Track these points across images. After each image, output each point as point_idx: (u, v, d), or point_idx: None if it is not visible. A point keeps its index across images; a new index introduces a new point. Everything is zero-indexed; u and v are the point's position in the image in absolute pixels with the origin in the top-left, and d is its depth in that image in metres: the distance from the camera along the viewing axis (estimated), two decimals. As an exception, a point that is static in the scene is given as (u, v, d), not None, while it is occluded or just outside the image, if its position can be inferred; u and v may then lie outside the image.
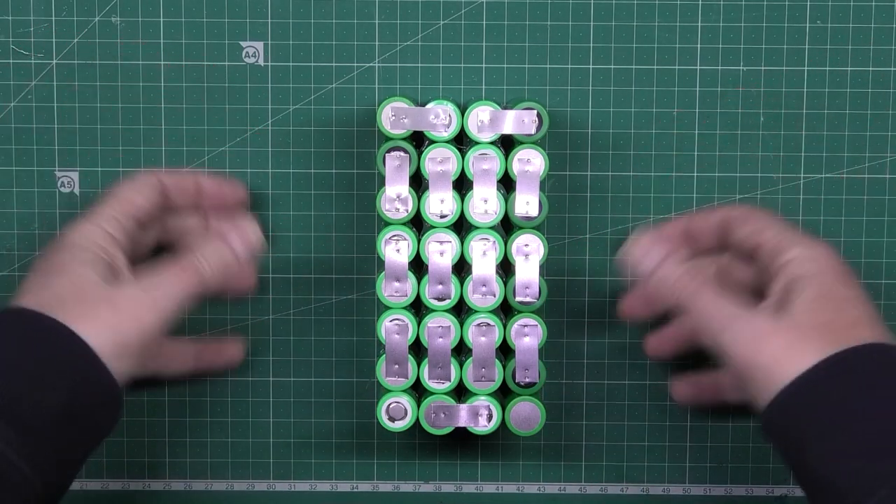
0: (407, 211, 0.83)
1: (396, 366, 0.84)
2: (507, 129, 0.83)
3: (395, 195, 0.83)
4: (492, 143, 0.83)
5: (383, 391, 0.85)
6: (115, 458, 0.89)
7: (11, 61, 0.86)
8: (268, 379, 0.89)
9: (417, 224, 0.84)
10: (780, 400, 0.73)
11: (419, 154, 0.83)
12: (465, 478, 0.90)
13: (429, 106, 0.83)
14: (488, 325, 0.84)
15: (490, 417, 0.85)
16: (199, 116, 0.86)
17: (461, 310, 0.85)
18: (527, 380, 0.84)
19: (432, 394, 0.85)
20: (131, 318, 0.76)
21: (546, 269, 0.86)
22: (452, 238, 0.83)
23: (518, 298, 0.83)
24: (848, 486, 0.70)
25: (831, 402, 0.72)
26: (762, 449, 0.89)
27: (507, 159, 0.83)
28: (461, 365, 0.84)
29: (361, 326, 0.88)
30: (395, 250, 0.83)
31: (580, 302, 0.88)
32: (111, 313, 0.76)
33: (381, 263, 0.84)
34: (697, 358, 0.85)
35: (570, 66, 0.86)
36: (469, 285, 0.83)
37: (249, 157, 0.87)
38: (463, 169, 0.83)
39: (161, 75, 0.86)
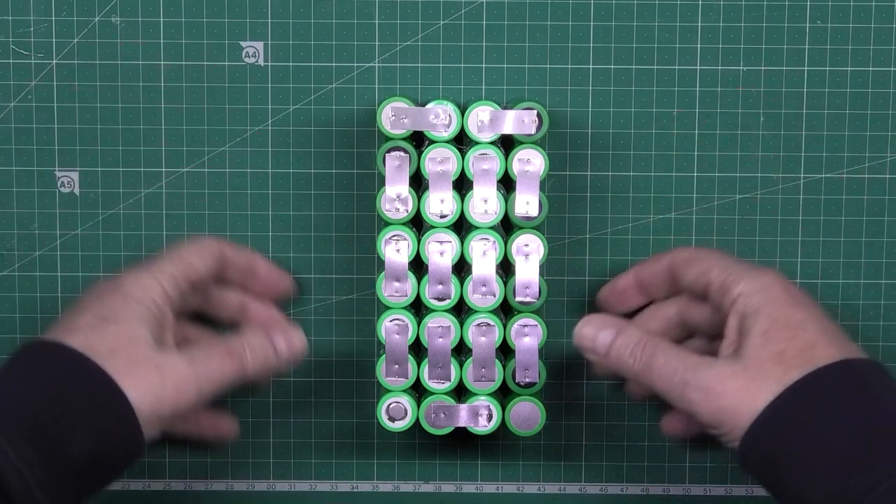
0: (407, 211, 0.83)
1: (396, 366, 0.84)
2: (507, 129, 0.83)
3: (395, 195, 0.83)
4: (492, 143, 0.83)
5: (383, 391, 0.85)
6: (115, 458, 0.89)
7: (11, 61, 0.86)
8: (268, 379, 0.89)
9: (417, 224, 0.84)
10: (749, 436, 0.74)
11: (419, 154, 0.83)
12: (465, 478, 0.90)
13: (429, 106, 0.83)
14: (488, 325, 0.84)
15: (490, 417, 0.85)
16: (199, 116, 0.86)
17: (461, 310, 0.85)
18: (527, 380, 0.84)
19: (432, 394, 0.85)
20: (173, 388, 0.77)
21: (546, 269, 0.86)
22: (452, 238, 0.83)
23: (518, 298, 0.83)
24: None
25: (796, 429, 0.73)
26: (762, 449, 0.89)
27: (507, 159, 0.83)
28: (461, 365, 0.84)
29: (361, 326, 0.88)
30: (395, 250, 0.83)
31: (580, 302, 0.88)
32: (156, 379, 0.76)
33: (381, 263, 0.84)
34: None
35: (570, 66, 0.86)
36: (469, 285, 0.83)
37: (249, 157, 0.87)
38: (463, 169, 0.83)
39: (161, 75, 0.86)
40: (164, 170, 0.87)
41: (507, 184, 0.84)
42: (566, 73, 0.86)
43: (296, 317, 0.88)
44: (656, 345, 0.79)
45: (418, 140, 0.84)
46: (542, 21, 0.85)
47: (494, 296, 0.83)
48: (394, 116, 0.83)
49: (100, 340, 0.76)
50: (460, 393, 0.86)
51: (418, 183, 0.84)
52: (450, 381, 0.84)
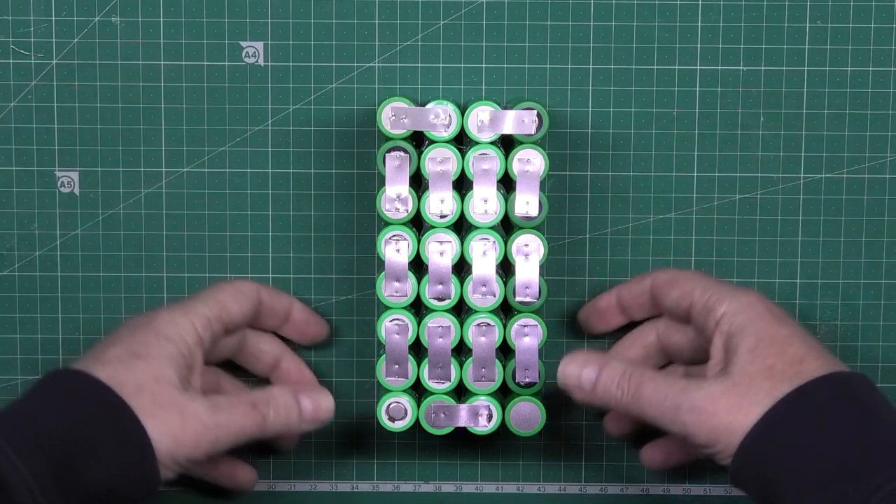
0: (407, 211, 0.83)
1: (396, 366, 0.84)
2: (507, 129, 0.83)
3: (395, 195, 0.83)
4: (492, 143, 0.83)
5: (383, 391, 0.85)
6: (115, 458, 0.89)
7: (11, 61, 0.86)
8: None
9: (417, 224, 0.84)
10: (740, 452, 0.75)
11: (419, 154, 0.83)
12: (465, 478, 0.90)
13: (429, 106, 0.83)
14: (488, 325, 0.84)
15: (490, 417, 0.85)
16: (199, 116, 0.86)
17: (461, 310, 0.85)
18: (527, 380, 0.84)
19: (432, 394, 0.85)
20: (192, 432, 0.77)
21: (546, 269, 0.86)
22: (452, 238, 0.83)
23: (518, 298, 0.83)
24: None
25: (789, 441, 0.73)
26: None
27: (507, 159, 0.83)
28: (461, 365, 0.84)
29: (361, 326, 0.88)
30: (395, 250, 0.83)
31: (580, 302, 0.88)
32: (177, 422, 0.76)
33: (381, 263, 0.84)
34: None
35: (570, 66, 0.86)
36: (469, 285, 0.83)
37: (249, 157, 0.87)
38: (463, 169, 0.83)
39: (161, 75, 0.86)
40: (164, 170, 0.87)
41: (507, 184, 0.84)
42: (566, 73, 0.86)
43: (296, 317, 0.88)
44: (642, 373, 0.79)
45: (418, 140, 0.84)
46: (542, 21, 0.85)
47: (494, 296, 0.83)
48: (394, 116, 0.83)
49: (127, 375, 0.76)
50: (460, 393, 0.86)
51: (418, 183, 0.84)
52: (450, 381, 0.84)
